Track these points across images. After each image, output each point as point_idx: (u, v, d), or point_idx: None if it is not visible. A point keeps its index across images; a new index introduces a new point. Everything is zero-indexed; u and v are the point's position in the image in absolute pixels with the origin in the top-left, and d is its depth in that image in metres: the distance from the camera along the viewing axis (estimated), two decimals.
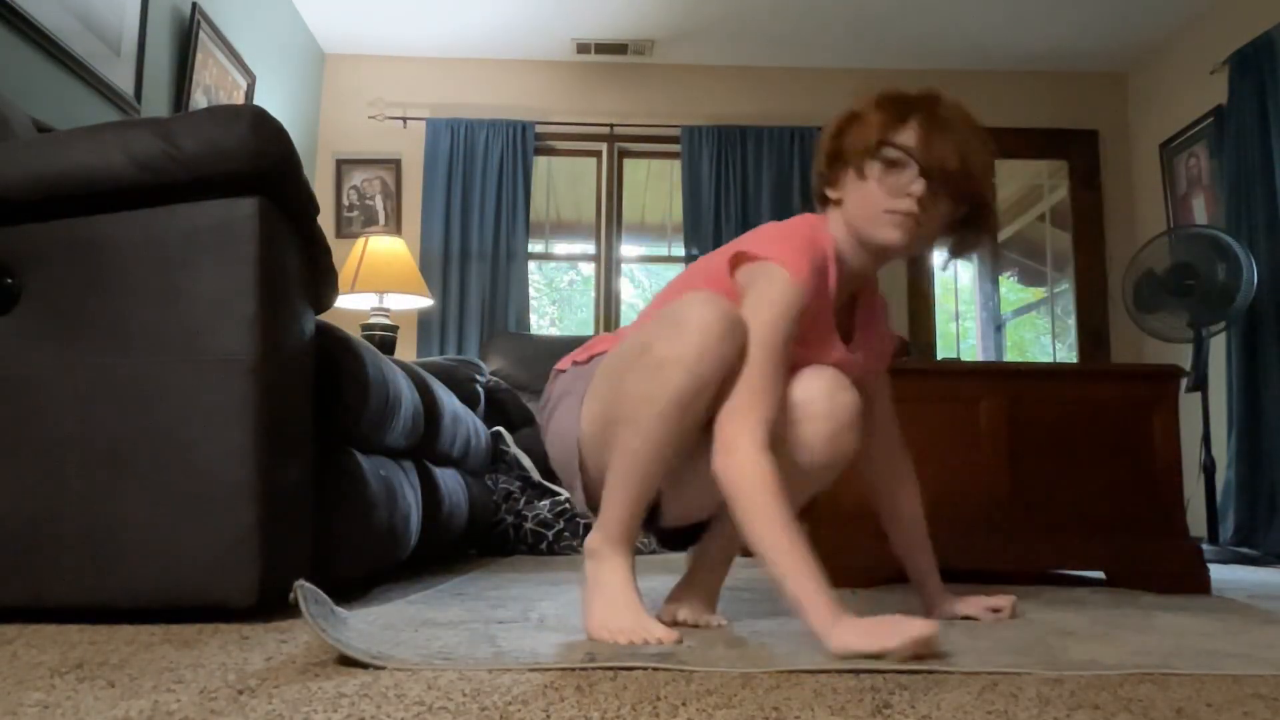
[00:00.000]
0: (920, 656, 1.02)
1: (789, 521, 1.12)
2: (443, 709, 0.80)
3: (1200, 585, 2.09)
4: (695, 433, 1.22)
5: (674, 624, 1.34)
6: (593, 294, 5.06)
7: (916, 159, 1.24)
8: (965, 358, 5.38)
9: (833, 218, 1.34)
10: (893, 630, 1.02)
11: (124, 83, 2.96)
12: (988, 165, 1.28)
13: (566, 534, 3.12)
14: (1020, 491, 2.18)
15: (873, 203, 1.26)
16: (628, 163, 5.09)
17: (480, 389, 3.70)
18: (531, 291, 4.94)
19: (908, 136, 1.26)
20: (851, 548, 2.09)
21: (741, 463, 1.15)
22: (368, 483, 1.66)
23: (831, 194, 1.34)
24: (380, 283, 3.88)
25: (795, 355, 1.29)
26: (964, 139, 1.26)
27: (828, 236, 1.32)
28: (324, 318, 1.64)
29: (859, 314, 1.43)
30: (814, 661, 1.03)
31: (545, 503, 3.23)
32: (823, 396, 1.24)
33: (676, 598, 1.41)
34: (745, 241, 1.29)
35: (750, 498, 1.13)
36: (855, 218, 1.29)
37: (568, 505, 3.20)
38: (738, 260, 1.29)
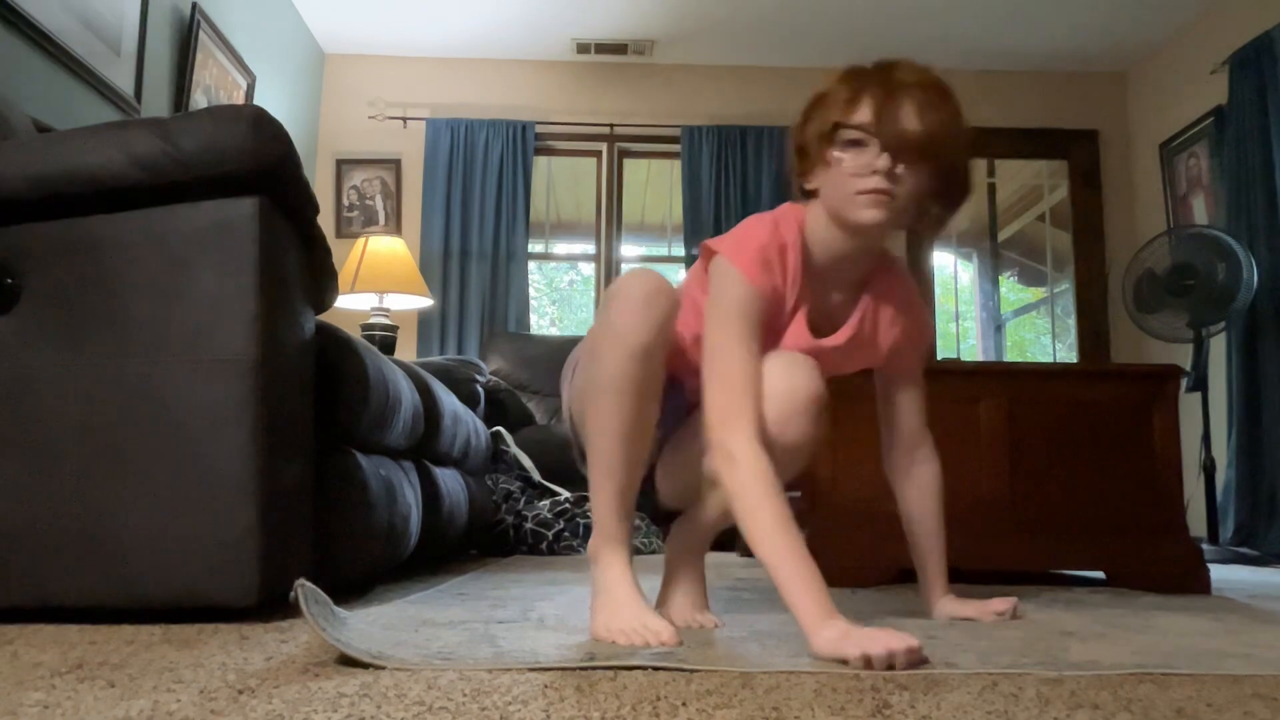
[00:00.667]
0: (901, 667, 1.01)
1: (788, 521, 1.13)
2: (443, 709, 0.80)
3: (1200, 585, 2.09)
4: (654, 408, 1.24)
5: None
6: (592, 294, 5.07)
7: (874, 134, 1.22)
8: (965, 358, 5.38)
9: (812, 207, 1.33)
10: (875, 639, 1.01)
11: (124, 83, 2.96)
12: (952, 125, 1.23)
13: (566, 534, 3.12)
14: (1020, 491, 2.18)
15: (844, 186, 1.25)
16: (628, 163, 5.09)
17: (480, 389, 3.70)
18: (531, 291, 4.94)
19: (864, 113, 1.23)
20: (851, 548, 2.09)
21: (743, 466, 1.17)
22: (368, 483, 1.66)
23: (807, 185, 1.33)
24: (380, 283, 3.88)
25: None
26: (922, 103, 1.22)
27: (793, 229, 1.31)
28: (324, 318, 1.64)
29: (864, 302, 1.39)
30: (814, 662, 1.03)
31: (545, 503, 3.23)
32: (775, 378, 1.23)
33: (665, 601, 1.40)
34: (721, 236, 1.33)
35: (750, 499, 1.15)
36: (831, 203, 1.28)
37: (568, 505, 3.20)
38: (708, 252, 1.32)
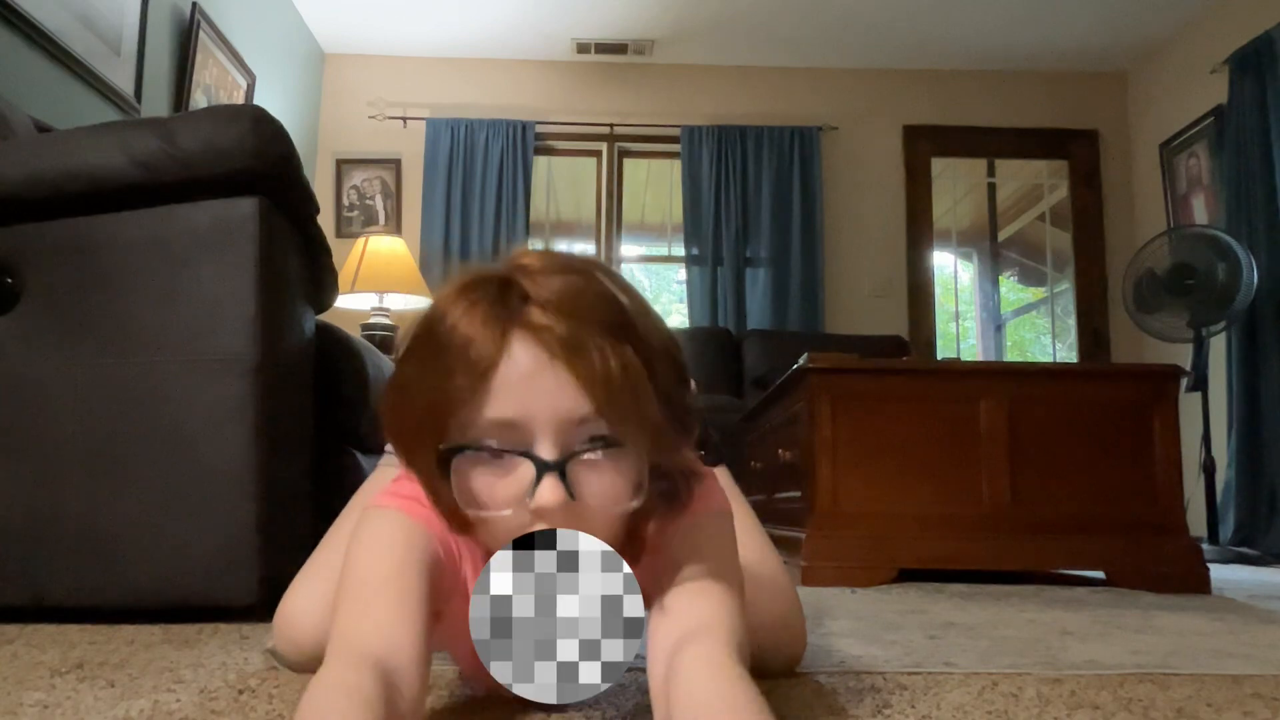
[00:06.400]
0: None
1: None
2: (443, 709, 0.80)
3: (1200, 585, 2.09)
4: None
5: None
6: None
7: (520, 452, 0.64)
8: (965, 358, 5.38)
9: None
10: None
11: (124, 83, 2.96)
12: (636, 359, 0.63)
13: None
14: (1021, 491, 2.17)
15: (499, 540, 0.66)
16: (628, 163, 5.09)
17: None
18: None
19: (498, 406, 0.63)
20: (851, 548, 2.09)
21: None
22: None
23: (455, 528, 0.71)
24: (380, 283, 3.87)
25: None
26: (588, 359, 0.63)
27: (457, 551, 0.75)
28: (324, 318, 1.64)
29: None
30: (814, 662, 1.03)
31: None
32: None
33: None
34: None
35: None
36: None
37: None
38: None
